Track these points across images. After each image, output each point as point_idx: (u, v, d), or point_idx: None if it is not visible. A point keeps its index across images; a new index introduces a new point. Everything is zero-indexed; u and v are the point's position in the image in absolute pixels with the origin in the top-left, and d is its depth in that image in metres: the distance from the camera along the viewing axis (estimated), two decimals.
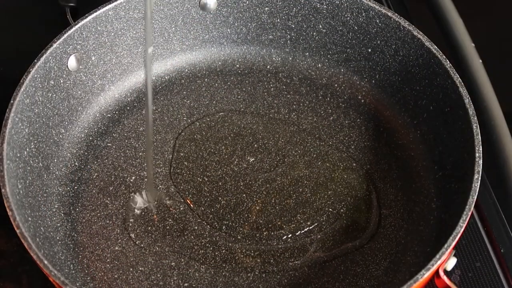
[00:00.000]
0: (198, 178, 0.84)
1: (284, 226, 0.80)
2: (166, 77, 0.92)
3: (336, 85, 0.91)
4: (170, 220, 0.81)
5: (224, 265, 0.78)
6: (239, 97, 0.90)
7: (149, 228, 0.80)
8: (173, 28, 0.90)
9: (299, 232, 0.80)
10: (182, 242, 0.79)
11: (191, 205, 0.81)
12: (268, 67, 0.92)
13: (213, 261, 0.78)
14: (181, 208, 0.82)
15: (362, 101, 0.90)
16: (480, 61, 0.92)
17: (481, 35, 0.96)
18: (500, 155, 0.85)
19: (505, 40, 1.01)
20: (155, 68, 0.91)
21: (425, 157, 0.84)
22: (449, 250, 0.69)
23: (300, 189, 0.83)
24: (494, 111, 0.88)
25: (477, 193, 0.71)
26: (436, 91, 0.82)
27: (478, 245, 0.82)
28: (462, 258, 0.81)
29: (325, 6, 0.88)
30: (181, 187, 0.83)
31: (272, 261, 0.78)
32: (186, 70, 0.92)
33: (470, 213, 0.70)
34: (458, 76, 0.79)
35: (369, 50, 0.88)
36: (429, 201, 0.81)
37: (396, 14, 0.84)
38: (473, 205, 0.71)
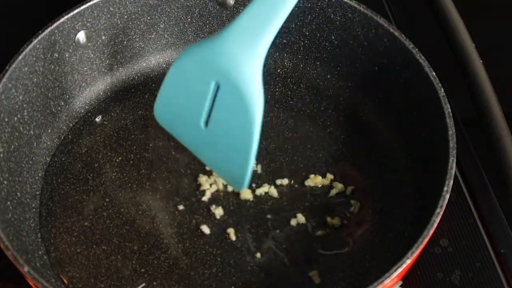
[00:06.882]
0: (181, 170, 0.85)
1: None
2: None
3: (341, 99, 0.90)
4: (143, 205, 0.82)
5: (184, 257, 0.79)
6: None
7: (122, 210, 0.82)
8: (189, 19, 0.91)
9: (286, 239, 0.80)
10: (149, 229, 0.80)
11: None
12: (279, 70, 0.92)
13: (174, 252, 0.79)
14: (158, 196, 0.83)
15: (364, 118, 0.88)
16: (480, 61, 0.90)
17: (481, 35, 0.94)
18: (500, 155, 0.84)
19: (505, 40, 0.99)
20: (168, 55, 0.93)
21: (411, 185, 0.82)
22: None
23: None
24: (494, 111, 0.86)
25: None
26: (429, 119, 0.80)
27: (478, 245, 0.81)
28: (462, 258, 0.81)
29: (338, 18, 0.87)
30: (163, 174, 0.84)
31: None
32: None
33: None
34: (448, 106, 0.77)
35: (376, 68, 0.86)
36: (403, 229, 0.79)
37: (403, 35, 0.82)
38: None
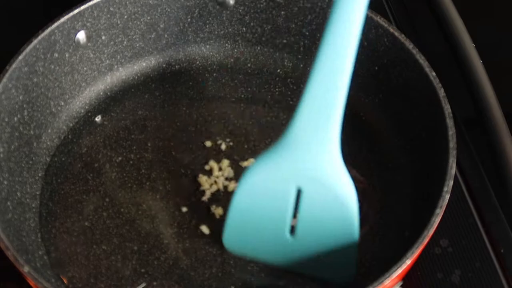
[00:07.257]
0: (181, 170, 0.85)
1: None
2: (176, 66, 0.93)
3: None
4: (143, 205, 0.82)
5: (184, 257, 0.79)
6: (242, 96, 0.91)
7: (122, 210, 0.82)
8: (189, 19, 0.91)
9: None
10: (149, 230, 0.80)
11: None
12: (279, 70, 0.92)
13: (174, 252, 0.79)
14: (157, 196, 0.83)
15: (363, 118, 0.88)
16: (480, 61, 0.90)
17: (481, 35, 0.94)
18: (500, 155, 0.84)
19: (505, 40, 0.99)
20: (168, 55, 0.93)
21: (411, 185, 0.82)
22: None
23: None
24: (494, 111, 0.86)
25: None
26: (429, 119, 0.80)
27: (478, 245, 0.81)
28: (462, 258, 0.81)
29: None
30: (163, 174, 0.84)
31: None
32: (197, 62, 0.93)
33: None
34: (448, 106, 0.77)
35: (376, 68, 0.86)
36: (403, 229, 0.79)
37: (403, 35, 0.83)
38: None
